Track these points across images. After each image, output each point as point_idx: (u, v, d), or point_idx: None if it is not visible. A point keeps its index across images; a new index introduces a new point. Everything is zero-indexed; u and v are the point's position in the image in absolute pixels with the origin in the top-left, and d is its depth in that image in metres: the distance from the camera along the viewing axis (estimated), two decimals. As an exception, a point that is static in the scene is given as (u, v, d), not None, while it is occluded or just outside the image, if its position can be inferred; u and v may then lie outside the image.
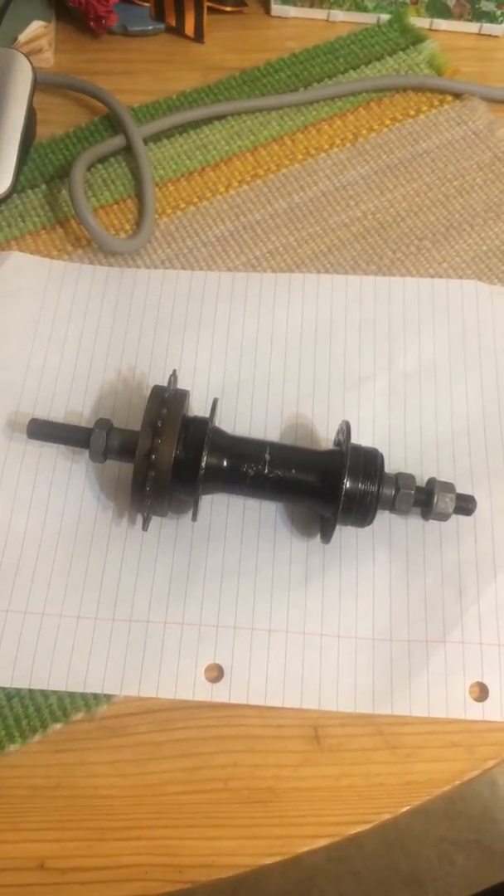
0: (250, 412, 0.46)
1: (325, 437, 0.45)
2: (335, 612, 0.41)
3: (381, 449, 0.44)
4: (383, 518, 0.43)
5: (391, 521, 0.43)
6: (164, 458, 0.38)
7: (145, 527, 0.40)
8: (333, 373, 0.47)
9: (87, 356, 0.47)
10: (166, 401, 0.39)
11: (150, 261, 0.51)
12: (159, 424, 0.38)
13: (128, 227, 0.53)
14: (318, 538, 0.42)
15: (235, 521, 0.43)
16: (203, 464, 0.38)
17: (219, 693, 0.39)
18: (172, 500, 0.41)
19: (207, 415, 0.40)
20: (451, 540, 0.42)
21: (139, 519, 0.42)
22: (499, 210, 0.53)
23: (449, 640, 0.40)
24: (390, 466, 0.44)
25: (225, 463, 0.40)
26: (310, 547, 0.42)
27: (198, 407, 0.45)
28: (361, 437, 0.45)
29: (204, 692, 0.39)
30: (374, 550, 0.42)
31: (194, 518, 0.40)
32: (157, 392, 0.39)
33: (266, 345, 0.48)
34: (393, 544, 0.42)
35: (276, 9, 0.62)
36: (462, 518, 0.42)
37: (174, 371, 0.41)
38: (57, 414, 0.45)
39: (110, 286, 0.50)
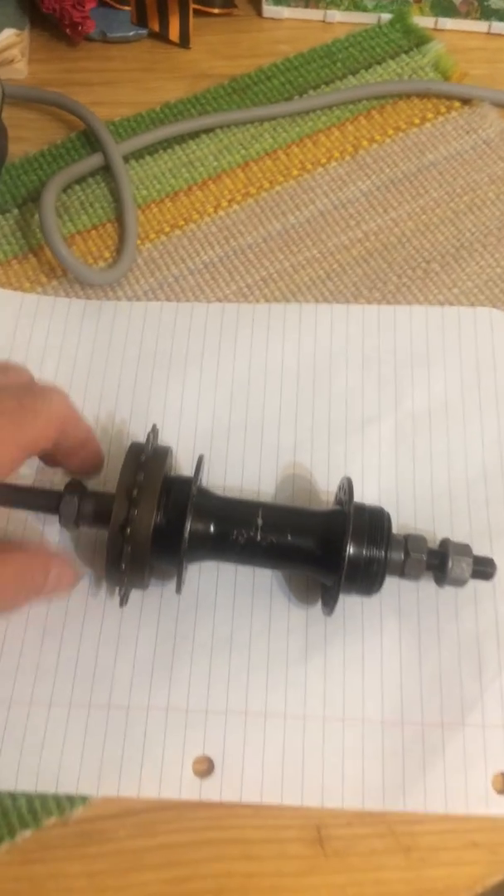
0: (242, 462, 0.41)
1: (326, 490, 0.40)
2: (339, 691, 0.36)
3: (389, 501, 0.40)
4: (392, 581, 0.38)
5: (400, 585, 0.38)
6: (142, 530, 0.33)
7: (123, 603, 0.35)
8: (334, 416, 0.42)
9: (62, 401, 0.43)
10: (143, 464, 0.34)
11: (131, 291, 0.47)
12: (135, 493, 0.33)
13: (107, 254, 0.48)
14: (318, 606, 0.38)
15: (226, 587, 0.38)
16: (186, 532, 0.34)
17: (209, 790, 0.35)
18: (154, 568, 0.36)
19: (194, 471, 0.36)
20: (468, 606, 0.38)
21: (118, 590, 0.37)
22: (514, 228, 0.49)
23: (468, 723, 0.36)
24: (398, 521, 0.39)
25: (212, 529, 0.35)
26: (310, 616, 0.38)
27: (185, 457, 0.41)
28: (366, 489, 0.40)
29: (192, 790, 0.35)
30: (381, 618, 0.38)
31: (178, 590, 0.35)
32: (134, 453, 0.35)
33: (259, 385, 0.43)
34: (403, 611, 0.38)
35: (268, 10, 0.57)
36: (480, 581, 0.37)
37: (154, 427, 0.37)
38: (26, 469, 0.41)
39: (88, 321, 0.45)
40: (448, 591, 0.38)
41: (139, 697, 0.36)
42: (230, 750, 0.35)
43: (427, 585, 0.38)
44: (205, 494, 0.36)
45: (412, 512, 0.40)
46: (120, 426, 0.42)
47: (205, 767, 0.35)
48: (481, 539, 0.39)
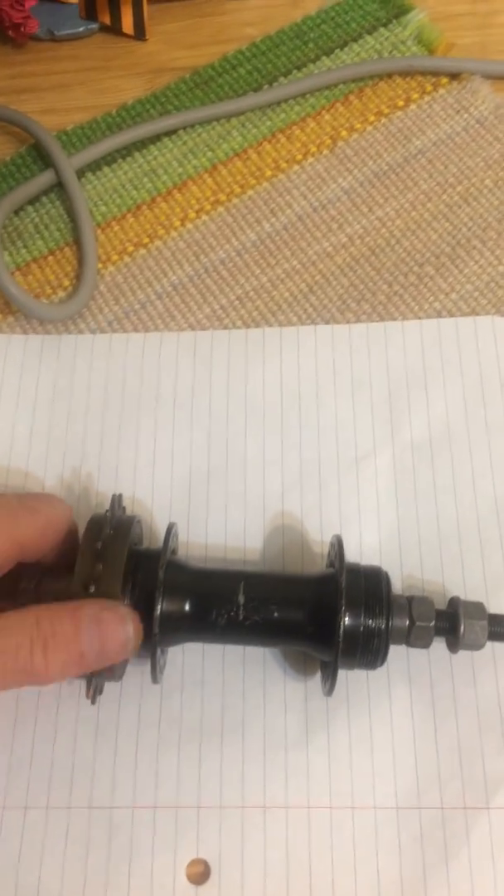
0: (224, 513, 0.37)
1: (320, 541, 0.36)
2: (346, 774, 0.32)
3: (391, 547, 0.35)
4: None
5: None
6: None
7: (93, 699, 0.31)
8: (324, 453, 0.38)
9: (22, 455, 0.39)
10: (104, 540, 0.30)
11: (94, 323, 0.42)
12: (93, 585, 0.29)
13: (67, 282, 0.44)
14: (317, 677, 0.34)
15: (214, 662, 0.34)
16: (157, 618, 0.30)
17: (205, 900, 0.31)
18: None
19: (163, 543, 0.32)
20: (487, 668, 0.33)
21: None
22: (515, 218, 0.44)
23: (493, 805, 0.32)
24: (402, 569, 0.35)
25: (187, 608, 0.31)
26: (309, 688, 0.34)
27: (161, 512, 0.37)
28: (364, 535, 0.36)
29: (186, 900, 0.31)
30: (389, 686, 0.34)
31: (154, 679, 0.31)
32: (93, 528, 0.31)
33: (239, 422, 0.39)
34: (413, 677, 0.34)
35: (230, -10, 0.52)
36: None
37: (117, 496, 0.32)
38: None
39: (47, 359, 0.41)
40: (463, 654, 0.33)
41: (123, 796, 0.32)
42: (227, 850, 0.31)
43: (438, 645, 0.34)
44: (178, 568, 0.32)
45: (417, 557, 0.36)
46: (86, 482, 0.38)
47: (200, 872, 0.31)
48: (497, 585, 0.35)
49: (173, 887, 0.31)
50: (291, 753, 0.33)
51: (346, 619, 0.30)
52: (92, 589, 0.29)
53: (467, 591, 0.35)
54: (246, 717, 0.33)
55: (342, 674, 0.33)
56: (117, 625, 0.28)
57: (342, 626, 0.30)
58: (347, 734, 0.33)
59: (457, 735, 0.33)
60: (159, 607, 0.30)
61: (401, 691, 0.33)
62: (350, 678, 0.34)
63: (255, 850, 0.31)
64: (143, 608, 0.30)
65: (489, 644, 0.33)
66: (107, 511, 0.32)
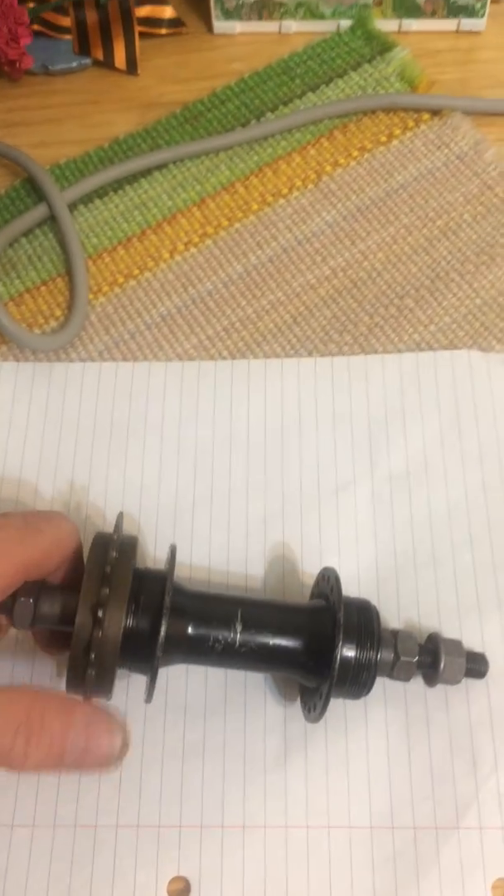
0: (209, 540, 0.38)
1: (301, 570, 0.37)
2: (323, 795, 0.34)
3: (368, 575, 0.37)
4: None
5: (385, 669, 0.35)
6: (107, 654, 0.30)
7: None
8: (305, 483, 0.39)
9: (13, 480, 0.40)
10: (111, 564, 0.31)
11: (85, 352, 0.44)
12: (100, 611, 0.30)
13: (58, 312, 0.45)
14: (296, 701, 0.35)
15: (197, 685, 0.35)
16: (162, 636, 0.31)
17: (185, 916, 0.32)
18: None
19: (167, 563, 0.33)
20: (459, 694, 0.35)
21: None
22: (492, 252, 0.45)
23: (463, 825, 0.33)
24: (379, 596, 0.37)
25: (189, 630, 0.32)
26: (288, 713, 0.35)
27: (148, 538, 0.38)
28: (343, 564, 0.37)
29: (167, 917, 0.32)
30: (366, 710, 0.35)
31: (148, 699, 0.33)
32: (98, 550, 0.32)
33: (224, 451, 0.40)
34: (389, 701, 0.35)
35: (220, 26, 0.54)
36: (470, 665, 0.34)
37: (120, 514, 0.34)
38: None
39: (38, 386, 0.42)
40: (436, 678, 0.35)
41: (107, 815, 0.33)
42: (207, 868, 0.33)
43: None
44: (180, 592, 0.33)
45: (394, 586, 0.37)
46: (77, 506, 0.39)
47: (181, 889, 0.32)
48: (469, 613, 0.36)
49: (155, 904, 0.32)
50: (270, 775, 0.34)
51: (343, 651, 0.31)
52: (100, 613, 0.30)
53: (441, 617, 0.36)
54: (227, 738, 0.34)
55: (319, 697, 0.35)
56: (105, 736, 0.29)
57: (338, 658, 0.31)
58: (325, 756, 0.34)
59: (429, 758, 0.34)
60: (163, 631, 0.31)
61: (376, 714, 0.35)
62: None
63: (234, 869, 0.33)
64: (147, 630, 0.31)
65: (461, 669, 0.34)
66: (113, 533, 0.33)
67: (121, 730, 0.30)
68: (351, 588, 0.36)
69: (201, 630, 0.32)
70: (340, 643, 0.31)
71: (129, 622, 0.31)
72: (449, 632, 0.35)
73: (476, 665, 0.33)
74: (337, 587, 0.33)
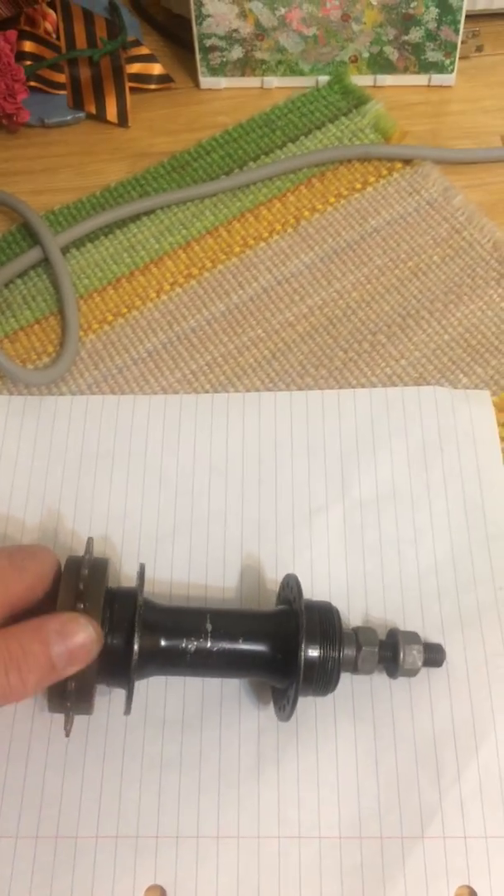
0: (188, 563, 0.40)
1: (275, 591, 0.39)
2: (294, 806, 0.35)
3: (339, 595, 0.39)
4: (345, 681, 0.37)
5: (353, 683, 0.37)
6: (86, 667, 0.32)
7: (68, 732, 0.34)
8: (281, 508, 0.41)
9: (2, 511, 0.42)
10: (84, 581, 0.33)
11: (75, 386, 0.46)
12: (80, 607, 0.32)
13: (51, 348, 0.48)
14: (270, 710, 0.37)
15: (175, 699, 0.37)
16: (135, 651, 0.33)
17: (161, 923, 0.33)
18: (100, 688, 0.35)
19: (136, 581, 0.35)
20: (424, 705, 0.36)
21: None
22: (459, 292, 0.48)
23: (427, 834, 0.34)
24: (350, 616, 0.39)
25: (162, 642, 0.34)
26: (261, 726, 0.37)
27: (130, 562, 0.40)
28: (315, 583, 0.39)
29: (144, 924, 0.33)
30: (335, 721, 0.36)
31: (127, 711, 0.34)
32: (72, 569, 0.34)
33: (204, 479, 0.42)
34: (357, 712, 0.37)
35: (206, 81, 0.57)
36: (434, 677, 0.36)
37: (90, 540, 0.36)
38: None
39: (28, 419, 0.45)
40: (402, 686, 0.36)
41: (87, 826, 0.35)
42: (183, 878, 0.34)
43: (381, 684, 0.37)
44: (149, 606, 0.35)
45: (363, 606, 0.39)
46: (64, 536, 0.41)
47: (157, 897, 0.34)
48: (434, 633, 0.38)
49: (132, 912, 0.33)
50: (244, 786, 0.35)
51: (307, 650, 0.33)
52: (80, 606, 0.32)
53: (408, 635, 0.38)
54: (203, 750, 0.36)
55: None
56: (80, 632, 0.31)
57: (303, 657, 0.33)
58: (296, 768, 0.36)
59: (395, 768, 0.35)
60: (137, 643, 0.33)
61: (346, 725, 0.36)
62: (299, 714, 0.36)
63: (208, 878, 0.34)
64: (121, 645, 0.33)
65: (425, 679, 0.36)
66: (85, 555, 0.35)
67: (88, 621, 0.32)
68: (321, 607, 0.38)
69: (173, 641, 0.34)
70: (304, 643, 0.33)
71: (106, 639, 0.33)
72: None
73: (433, 654, 0.35)
74: (299, 591, 0.35)
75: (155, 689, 0.37)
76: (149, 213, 0.52)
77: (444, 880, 0.33)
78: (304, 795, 0.35)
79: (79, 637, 0.31)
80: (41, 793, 0.36)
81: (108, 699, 0.37)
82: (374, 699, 0.37)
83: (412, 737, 0.36)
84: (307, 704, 0.37)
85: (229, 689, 0.37)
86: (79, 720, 0.36)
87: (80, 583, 0.33)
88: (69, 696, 0.32)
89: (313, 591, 0.39)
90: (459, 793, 0.35)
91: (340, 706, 0.37)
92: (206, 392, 0.45)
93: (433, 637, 0.37)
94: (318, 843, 0.34)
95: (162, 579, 0.40)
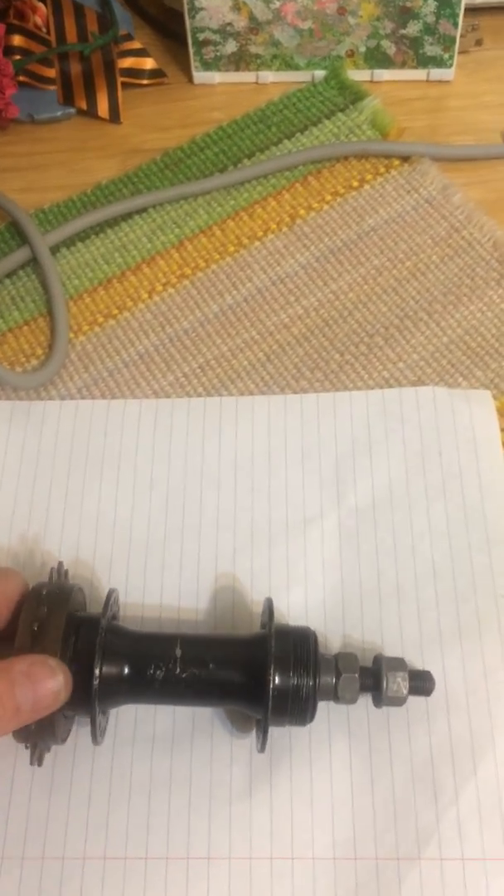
0: (179, 572, 0.39)
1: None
2: (287, 826, 0.34)
3: (334, 605, 0.38)
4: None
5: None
6: None
7: (37, 762, 0.33)
8: (274, 516, 0.40)
9: (-9, 518, 0.41)
10: (43, 600, 0.32)
11: (65, 389, 0.45)
12: (39, 640, 0.31)
13: (40, 351, 0.46)
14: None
15: (164, 718, 0.36)
16: (96, 681, 0.32)
17: None
18: (71, 717, 0.34)
19: (103, 607, 0.34)
20: (421, 723, 0.35)
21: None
22: (458, 293, 0.46)
23: (424, 856, 0.33)
24: (344, 626, 0.38)
25: (126, 670, 0.33)
26: (253, 744, 0.35)
27: (119, 572, 0.39)
28: (309, 594, 0.38)
29: None
30: (329, 741, 0.35)
31: (95, 742, 0.33)
32: (31, 602, 0.33)
33: (195, 486, 0.41)
34: (352, 732, 0.35)
35: (199, 76, 0.56)
36: (432, 695, 0.35)
37: (57, 566, 0.35)
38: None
39: (16, 424, 0.43)
40: (399, 708, 0.35)
41: (75, 847, 0.34)
42: (172, 900, 0.33)
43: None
44: (116, 632, 0.34)
45: (359, 616, 0.38)
46: (51, 545, 0.40)
47: (146, 921, 0.33)
48: (431, 645, 0.37)
49: (119, 936, 0.32)
50: (235, 805, 0.34)
51: (276, 678, 0.32)
52: (36, 631, 0.31)
53: (405, 647, 0.37)
54: (193, 769, 0.35)
55: (284, 730, 0.35)
56: (48, 677, 0.30)
57: (271, 686, 0.32)
58: (289, 787, 0.34)
59: (392, 789, 0.34)
60: (97, 671, 0.32)
61: (340, 744, 0.35)
62: (292, 735, 0.35)
63: (199, 900, 0.33)
64: (82, 673, 0.32)
65: (423, 702, 0.35)
66: (43, 589, 0.33)
67: (59, 666, 0.31)
68: (317, 617, 0.37)
69: (140, 664, 0.33)
70: (272, 671, 0.32)
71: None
72: (411, 662, 0.35)
73: (420, 682, 0.33)
74: (270, 615, 0.33)
75: (143, 708, 0.36)
76: (141, 211, 0.51)
77: (442, 904, 0.32)
78: (297, 815, 0.34)
79: (44, 681, 0.30)
80: (27, 812, 0.34)
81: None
82: (369, 717, 0.35)
83: (409, 755, 0.35)
84: (301, 720, 0.35)
85: (219, 711, 0.36)
86: (66, 742, 0.35)
87: (35, 623, 0.32)
88: (29, 729, 0.31)
89: (308, 601, 0.38)
90: (457, 813, 0.34)
91: (335, 724, 0.35)
92: (199, 395, 0.44)
93: (431, 651, 0.36)
94: (311, 863, 0.33)
95: (151, 591, 0.39)
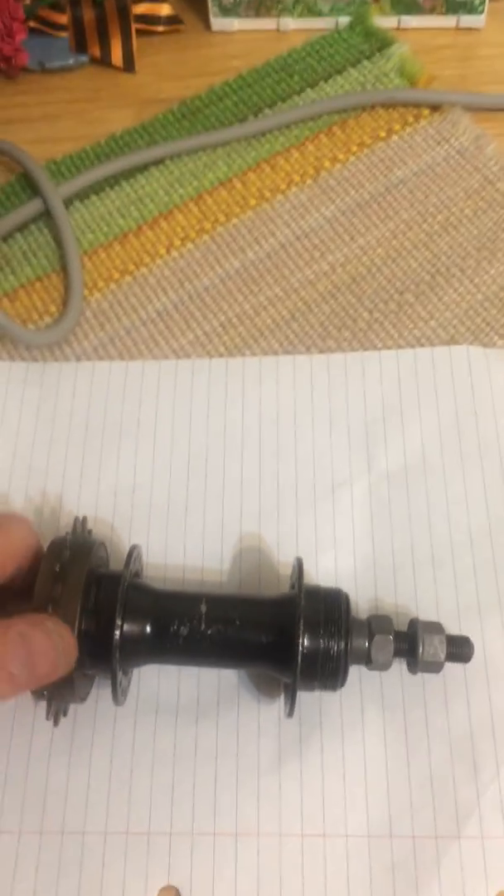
0: (202, 538, 0.37)
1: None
2: (318, 801, 0.32)
3: (365, 574, 0.36)
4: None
5: (381, 672, 0.34)
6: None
7: (55, 721, 0.32)
8: (301, 481, 0.38)
9: (3, 480, 0.39)
10: (63, 562, 0.30)
11: (80, 348, 0.43)
12: (51, 605, 0.29)
13: (53, 308, 0.44)
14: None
15: (189, 685, 0.34)
16: (116, 638, 0.30)
17: (175, 927, 0.31)
18: (91, 677, 0.33)
19: (125, 564, 0.32)
20: (459, 695, 0.34)
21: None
22: (493, 247, 0.44)
23: (464, 834, 0.32)
24: (377, 595, 0.36)
25: (149, 628, 0.31)
26: (282, 715, 0.34)
27: (139, 539, 0.37)
28: (339, 562, 0.36)
29: (156, 927, 0.31)
30: (362, 712, 0.34)
31: (116, 701, 0.32)
32: (53, 550, 0.31)
33: (218, 450, 0.39)
34: (386, 703, 0.34)
35: (217, 23, 0.53)
36: (470, 664, 0.33)
37: (80, 519, 0.33)
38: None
39: (30, 386, 0.41)
40: (436, 678, 0.33)
41: (96, 822, 0.32)
42: (198, 878, 0.31)
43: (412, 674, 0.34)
44: (139, 589, 0.32)
45: (392, 585, 0.36)
46: (69, 505, 0.38)
47: (171, 899, 0.31)
48: (469, 613, 0.35)
49: (144, 914, 0.31)
50: (264, 779, 0.33)
51: (305, 640, 0.30)
52: (49, 609, 0.29)
53: (441, 616, 0.35)
54: (220, 741, 0.33)
55: (314, 701, 0.34)
56: (45, 643, 0.28)
57: (301, 646, 0.30)
58: (320, 761, 0.33)
59: (429, 763, 0.33)
60: (118, 629, 0.30)
61: (373, 716, 0.33)
62: (323, 705, 0.34)
63: (226, 879, 0.31)
64: (103, 631, 0.30)
65: (461, 672, 0.33)
66: (67, 533, 0.32)
67: (58, 630, 0.29)
68: (347, 586, 0.35)
69: (163, 622, 0.31)
70: (301, 630, 0.30)
71: (84, 625, 0.30)
72: (448, 630, 0.34)
73: (458, 648, 0.31)
74: (299, 575, 0.32)
75: (166, 676, 0.34)
76: (157, 163, 0.48)
77: (483, 883, 0.31)
78: (329, 790, 0.33)
79: (41, 647, 0.28)
80: (45, 786, 0.33)
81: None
82: (404, 687, 0.34)
83: (447, 729, 0.33)
84: (331, 693, 0.34)
85: (246, 677, 0.34)
86: (85, 711, 0.34)
87: (58, 564, 0.30)
88: (46, 692, 0.30)
89: (337, 570, 0.36)
90: (499, 790, 0.32)
91: (368, 695, 0.34)
92: (220, 356, 0.42)
93: (470, 619, 0.34)
94: (344, 841, 0.32)
95: (174, 555, 0.37)
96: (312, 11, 0.52)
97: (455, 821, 0.32)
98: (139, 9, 0.53)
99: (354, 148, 0.48)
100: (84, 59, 0.52)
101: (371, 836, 0.32)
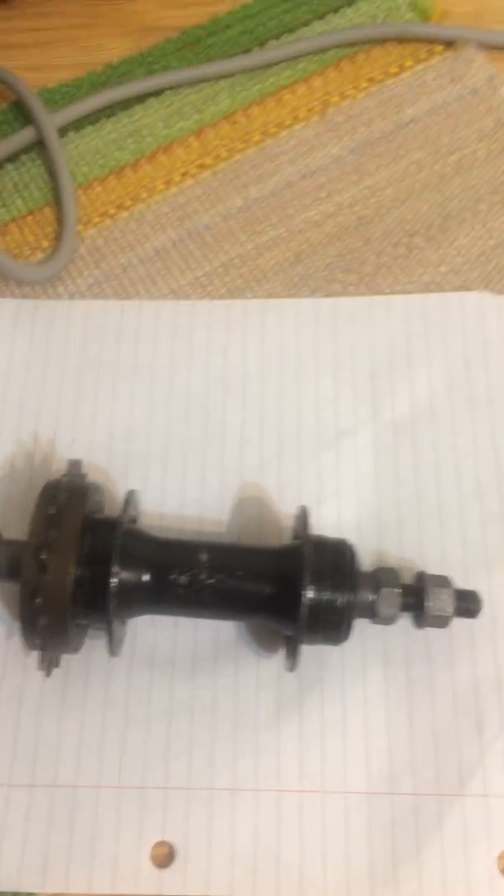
0: (201, 485, 0.36)
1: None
2: (317, 757, 0.31)
3: (369, 525, 0.35)
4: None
5: (385, 627, 0.33)
6: (56, 594, 0.28)
7: (47, 671, 0.30)
8: (304, 429, 0.36)
9: (-6, 423, 0.37)
10: (59, 506, 0.29)
11: (73, 286, 0.41)
12: (45, 552, 0.28)
13: (46, 243, 0.42)
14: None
15: (186, 638, 0.33)
16: (111, 586, 0.28)
17: (170, 883, 0.30)
18: (86, 626, 0.31)
19: (122, 509, 0.31)
20: (464, 650, 0.33)
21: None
22: (508, 192, 0.42)
23: (468, 792, 0.31)
24: (381, 546, 0.34)
25: (146, 576, 0.30)
26: (282, 669, 0.33)
27: (135, 485, 0.36)
28: (343, 513, 0.35)
29: (150, 882, 0.30)
30: (364, 667, 0.33)
31: (111, 652, 0.30)
32: (47, 494, 0.30)
33: (219, 395, 0.37)
34: (389, 658, 0.33)
35: None
36: (477, 621, 0.32)
37: (74, 462, 0.32)
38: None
39: (22, 324, 0.39)
40: (440, 633, 0.32)
41: (88, 775, 0.31)
42: (194, 833, 0.31)
43: (416, 628, 0.33)
44: (137, 535, 0.31)
45: (397, 537, 0.35)
46: (61, 449, 0.37)
47: (165, 854, 0.30)
48: (476, 566, 0.34)
49: (137, 870, 0.30)
50: (263, 734, 0.32)
51: (310, 592, 0.29)
52: (44, 555, 0.28)
53: (447, 569, 0.34)
54: (217, 694, 0.32)
55: (315, 656, 0.32)
56: None
57: (305, 598, 0.29)
58: (320, 716, 0.32)
59: (432, 719, 0.32)
60: (115, 574, 0.29)
61: (375, 672, 0.32)
62: (324, 659, 0.33)
63: (222, 834, 0.30)
64: (98, 578, 0.29)
65: (467, 627, 0.32)
66: (63, 476, 0.31)
67: None
68: (350, 537, 0.34)
69: (161, 571, 0.30)
70: (306, 583, 0.29)
71: (80, 572, 0.29)
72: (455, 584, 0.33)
73: (466, 602, 0.30)
74: (304, 524, 0.30)
75: (163, 627, 0.33)
76: (156, 93, 0.46)
77: (486, 842, 0.30)
78: (328, 746, 0.32)
79: None
80: (36, 738, 0.32)
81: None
82: (408, 642, 0.33)
83: (451, 684, 0.32)
84: (332, 647, 0.33)
85: (245, 629, 0.33)
86: (78, 662, 0.32)
87: (52, 508, 0.29)
88: (39, 631, 0.29)
89: (340, 521, 0.35)
90: (504, 747, 0.31)
91: (370, 649, 0.33)
92: (221, 297, 0.40)
93: (475, 570, 0.33)
94: (343, 798, 0.31)
95: (171, 503, 0.36)
96: None
97: (458, 779, 0.31)
98: None
99: (364, 83, 0.46)
100: (80, -19, 0.49)
101: (371, 793, 0.31)
